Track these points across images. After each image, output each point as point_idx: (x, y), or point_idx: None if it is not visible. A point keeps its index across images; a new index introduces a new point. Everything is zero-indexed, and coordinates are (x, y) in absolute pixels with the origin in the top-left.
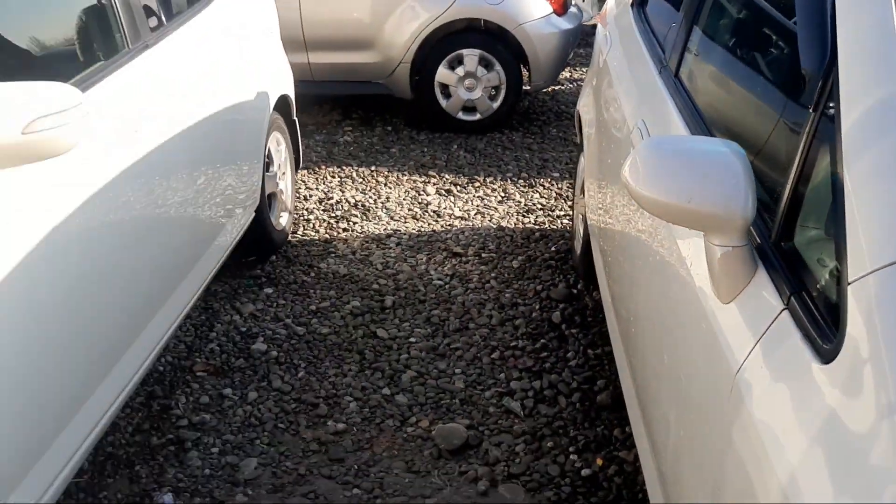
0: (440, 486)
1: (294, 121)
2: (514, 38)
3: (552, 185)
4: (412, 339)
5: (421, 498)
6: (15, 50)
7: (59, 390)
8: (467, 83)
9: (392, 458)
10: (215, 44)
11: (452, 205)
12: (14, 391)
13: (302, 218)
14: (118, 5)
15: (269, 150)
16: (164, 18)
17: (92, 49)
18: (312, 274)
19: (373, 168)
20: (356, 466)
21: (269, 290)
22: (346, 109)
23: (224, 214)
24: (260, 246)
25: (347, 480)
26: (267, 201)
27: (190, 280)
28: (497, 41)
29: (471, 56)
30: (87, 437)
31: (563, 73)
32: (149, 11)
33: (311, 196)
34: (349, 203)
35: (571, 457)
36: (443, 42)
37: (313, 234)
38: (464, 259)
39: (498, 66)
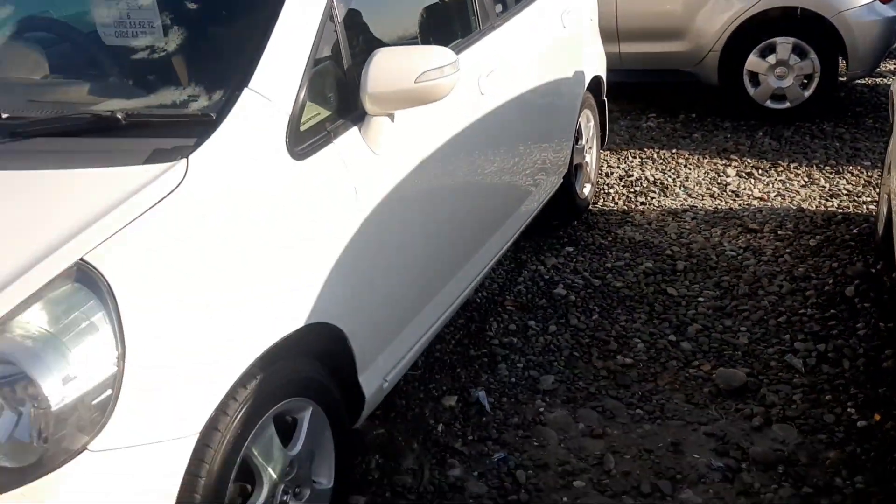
0: (716, 418)
1: (604, 101)
2: (831, 26)
3: (861, 172)
4: (700, 299)
5: (697, 424)
6: (411, 24)
7: (414, 291)
8: (778, 71)
9: (673, 391)
10: (546, 27)
11: (752, 186)
12: (415, 277)
13: (602, 191)
14: None
15: (579, 125)
16: (508, 5)
17: (456, 27)
18: (609, 238)
19: (674, 151)
20: (640, 393)
21: (570, 249)
22: (650, 97)
23: (537, 177)
24: (564, 211)
25: (632, 402)
26: (573, 171)
27: (504, 230)
28: (813, 29)
29: (784, 44)
30: (425, 333)
31: (887, 64)
32: None
33: (612, 173)
34: (648, 180)
35: (849, 409)
36: (755, 30)
37: (612, 205)
38: (759, 235)
39: (813, 55)
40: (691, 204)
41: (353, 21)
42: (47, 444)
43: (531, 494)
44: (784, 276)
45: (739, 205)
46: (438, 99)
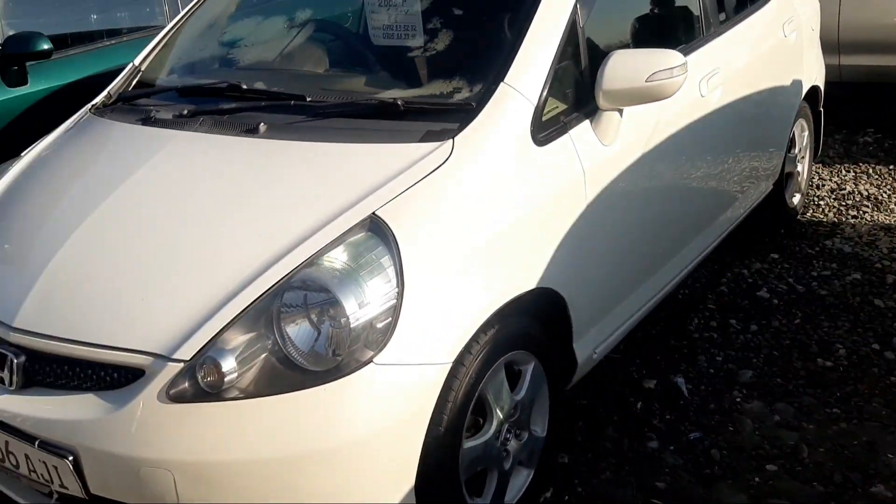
0: None
1: (820, 111)
2: None
3: None
4: None
5: (895, 427)
6: (641, 29)
7: (628, 272)
8: None
9: (872, 396)
10: (767, 35)
11: None
12: (631, 260)
13: (812, 203)
14: (702, 4)
15: (793, 134)
16: (730, 13)
17: (681, 32)
18: (817, 248)
19: (891, 167)
20: (838, 394)
21: (775, 256)
22: (869, 112)
23: (747, 180)
24: (772, 218)
25: (829, 402)
26: (784, 180)
27: (712, 228)
28: None
29: None
30: (634, 314)
31: None
32: (721, 7)
33: (822, 185)
34: (861, 195)
35: None
36: None
37: (821, 216)
38: None
39: None
40: None
41: (592, 26)
42: (340, 356)
43: (725, 471)
44: None
45: None
46: (666, 97)
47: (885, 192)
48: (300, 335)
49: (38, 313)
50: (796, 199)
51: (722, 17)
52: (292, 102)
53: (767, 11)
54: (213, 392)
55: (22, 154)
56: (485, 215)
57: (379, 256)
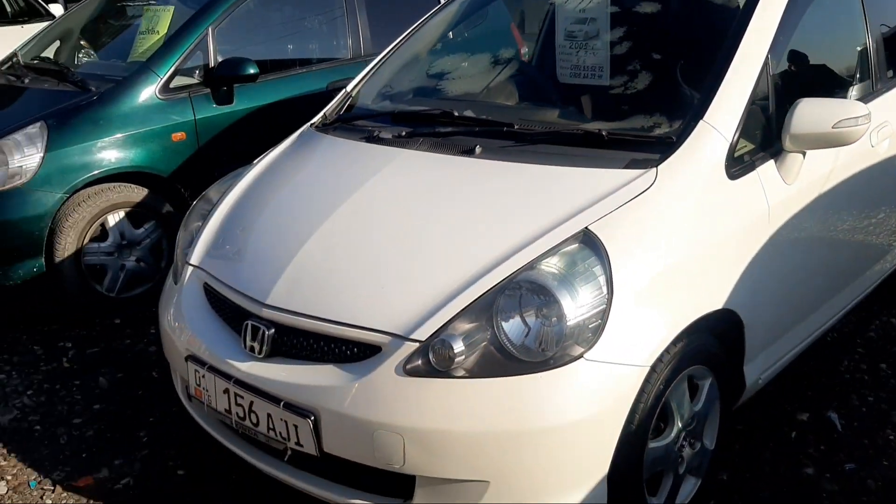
0: None
1: None
2: None
3: None
4: None
5: None
6: (823, 78)
7: (798, 304)
8: None
9: None
10: None
11: None
12: (800, 294)
13: None
14: (875, 57)
15: None
16: None
17: (855, 85)
18: None
19: None
20: None
21: None
22: None
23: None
24: None
25: None
26: None
27: (869, 274)
28: None
29: None
30: (797, 346)
31: None
32: (890, 64)
33: None
34: None
35: None
36: None
37: None
38: None
39: None
40: None
41: (780, 73)
42: (547, 351)
43: (880, 499)
44: None
45: None
46: (850, 143)
47: None
48: (513, 329)
49: (288, 293)
50: None
51: (890, 73)
52: (504, 129)
53: None
54: (443, 371)
55: (254, 161)
56: (683, 238)
57: (591, 266)
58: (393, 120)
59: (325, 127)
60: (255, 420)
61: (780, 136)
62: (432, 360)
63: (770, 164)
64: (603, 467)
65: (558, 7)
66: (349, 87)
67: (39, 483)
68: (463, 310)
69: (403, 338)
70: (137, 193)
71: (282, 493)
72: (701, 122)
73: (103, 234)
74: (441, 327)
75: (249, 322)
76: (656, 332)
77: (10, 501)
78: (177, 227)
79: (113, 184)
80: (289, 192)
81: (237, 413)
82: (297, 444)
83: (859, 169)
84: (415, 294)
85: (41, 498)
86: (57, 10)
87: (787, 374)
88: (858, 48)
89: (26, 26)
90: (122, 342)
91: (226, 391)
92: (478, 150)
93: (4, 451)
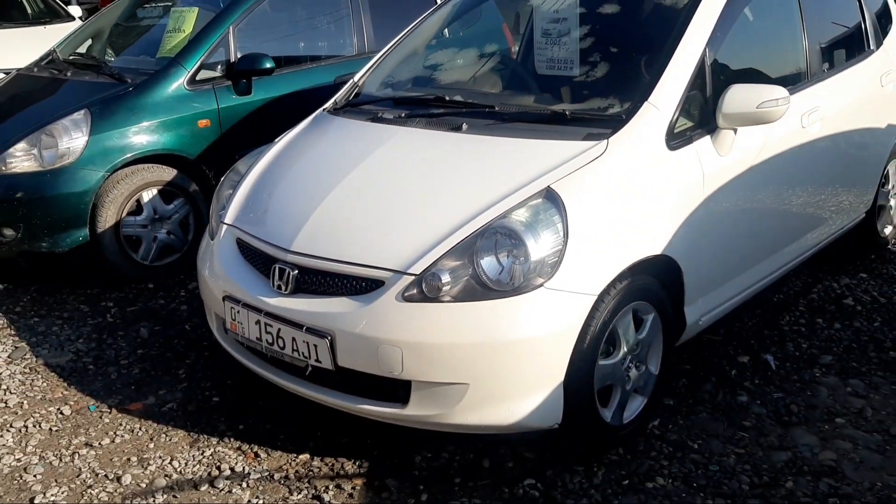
0: None
1: None
2: None
3: None
4: None
5: None
6: (755, 69)
7: (733, 258)
8: None
9: None
10: (865, 84)
11: None
12: (735, 249)
13: None
14: (807, 52)
15: (886, 172)
16: (833, 63)
17: (789, 75)
18: None
19: None
20: None
21: (864, 275)
22: None
23: (840, 205)
24: (864, 243)
25: (895, 381)
26: (876, 211)
27: (805, 239)
28: None
29: None
30: (735, 296)
31: None
32: (825, 58)
33: None
34: None
35: None
36: None
37: None
38: None
39: None
40: None
41: (716, 64)
42: (516, 283)
43: (800, 420)
44: None
45: None
46: (772, 121)
47: None
48: (490, 267)
49: (309, 241)
50: (888, 230)
51: (825, 66)
52: (486, 110)
53: (867, 64)
54: (433, 297)
55: (275, 140)
56: (627, 195)
57: (552, 216)
58: (394, 104)
59: (335, 111)
60: (281, 344)
61: (715, 115)
62: (425, 290)
63: (706, 139)
64: (559, 375)
65: (536, 8)
66: (356, 77)
67: (98, 407)
68: (449, 250)
69: (401, 272)
70: (168, 173)
71: (299, 413)
72: (646, 102)
73: (138, 208)
74: (432, 263)
75: (277, 265)
76: (603, 269)
77: (74, 421)
78: (202, 204)
79: (147, 164)
80: (307, 162)
81: (266, 339)
82: (317, 360)
83: (790, 146)
84: (410, 238)
85: (100, 418)
86: (75, 11)
87: (733, 326)
88: (794, 43)
89: (49, 27)
90: (157, 302)
91: (257, 322)
92: (464, 126)
93: (65, 384)
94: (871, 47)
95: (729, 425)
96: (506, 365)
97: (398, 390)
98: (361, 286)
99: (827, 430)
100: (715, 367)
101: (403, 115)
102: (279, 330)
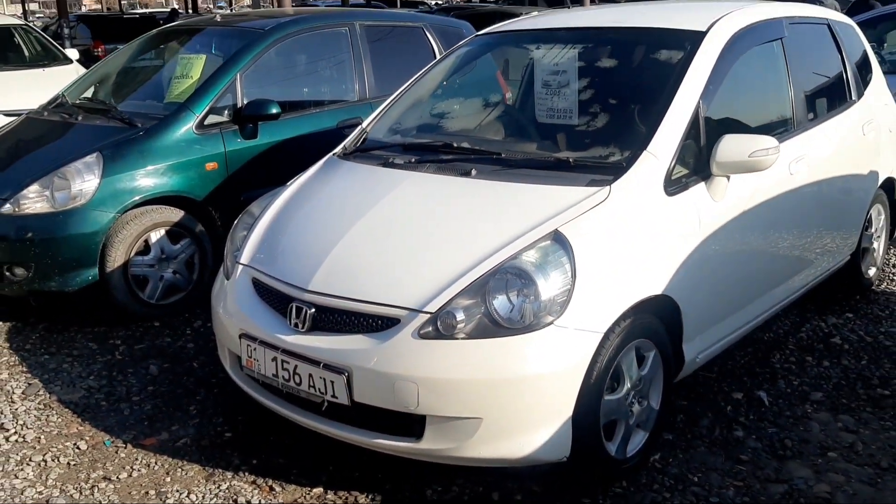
0: None
1: None
2: None
3: None
4: None
5: None
6: (746, 120)
7: (728, 298)
8: None
9: None
10: (848, 132)
11: None
12: (729, 289)
13: (888, 278)
14: (793, 103)
15: (869, 216)
16: (818, 113)
17: (778, 124)
18: (887, 312)
19: None
20: (892, 413)
21: (850, 315)
22: None
23: (826, 247)
24: (849, 284)
25: (884, 418)
26: (860, 253)
27: (794, 281)
28: None
29: None
30: (731, 334)
31: None
32: (810, 108)
33: None
34: None
35: None
36: None
37: (894, 289)
38: None
39: None
40: None
41: (709, 116)
42: (530, 321)
43: (794, 454)
44: None
45: None
46: (763, 169)
47: None
48: (501, 306)
49: (326, 281)
50: (872, 271)
51: (811, 115)
52: (493, 157)
53: (849, 114)
54: (447, 335)
55: (287, 183)
56: (629, 238)
57: (560, 257)
58: (403, 149)
59: (345, 155)
60: (298, 380)
61: (709, 163)
62: (440, 327)
63: (701, 186)
64: (568, 410)
65: (536, 62)
66: (364, 124)
67: (113, 442)
68: (463, 289)
69: (417, 311)
70: (176, 214)
71: (311, 448)
72: (645, 151)
73: (146, 248)
74: (446, 302)
75: (294, 304)
76: (609, 308)
77: (90, 455)
78: (207, 244)
79: (156, 206)
80: (321, 204)
81: (283, 376)
82: (333, 396)
83: (779, 192)
84: (425, 278)
85: (116, 452)
86: (72, 53)
87: (726, 364)
88: (781, 95)
89: (47, 69)
90: (164, 340)
91: (274, 359)
92: (473, 172)
93: (79, 419)
94: (853, 97)
95: (726, 459)
96: (518, 400)
97: (413, 425)
98: (378, 324)
99: (820, 463)
100: (711, 403)
101: (413, 160)
102: (296, 366)
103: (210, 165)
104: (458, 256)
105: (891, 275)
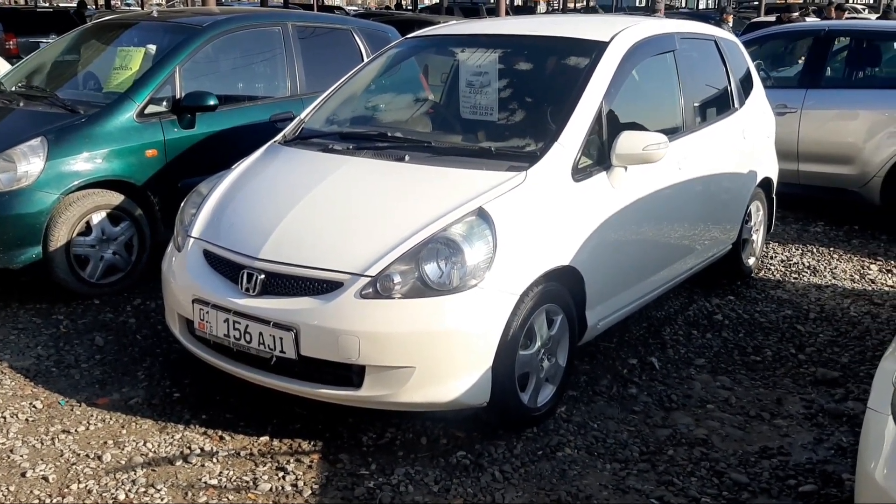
0: (810, 393)
1: (772, 197)
2: None
3: None
4: (820, 335)
5: (796, 394)
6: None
7: (626, 273)
8: None
9: (784, 377)
10: (731, 135)
11: (890, 279)
12: (625, 265)
13: (765, 267)
14: (683, 108)
15: (749, 211)
16: (704, 118)
17: (669, 126)
18: (763, 295)
19: (831, 248)
20: (762, 375)
21: (731, 297)
22: (822, 209)
23: (711, 236)
24: (731, 271)
25: (755, 379)
26: (741, 244)
27: (683, 262)
28: None
29: None
30: (628, 305)
31: None
32: (698, 114)
33: (775, 257)
34: (803, 265)
35: None
36: None
37: (770, 276)
38: (881, 307)
39: None
40: (834, 283)
41: (610, 114)
42: (457, 284)
43: (679, 406)
44: (889, 332)
45: (873, 288)
46: (654, 161)
47: (822, 265)
48: (432, 270)
49: (275, 249)
50: (751, 261)
51: (698, 120)
52: (424, 144)
53: (732, 120)
54: (386, 295)
55: (232, 167)
56: (542, 216)
57: (484, 230)
58: (341, 138)
59: (286, 143)
60: (248, 339)
61: (609, 155)
62: (379, 289)
63: (603, 175)
64: (488, 361)
65: (461, 63)
66: (302, 115)
67: (68, 402)
68: (399, 256)
69: (359, 275)
70: (116, 198)
71: (256, 405)
72: (555, 143)
73: (88, 230)
74: (385, 267)
75: (245, 271)
76: (524, 274)
77: (47, 413)
78: (146, 227)
79: (97, 189)
80: (266, 184)
81: (234, 335)
82: (281, 351)
83: (668, 185)
84: (365, 246)
85: (71, 410)
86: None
87: (623, 336)
88: (673, 100)
89: None
90: (107, 316)
91: (226, 321)
92: (406, 157)
93: (32, 383)
94: (736, 106)
95: (622, 410)
96: (446, 351)
97: (352, 376)
98: (323, 287)
99: (700, 413)
100: (609, 367)
101: (351, 147)
102: (247, 326)
103: (150, 153)
104: (395, 228)
105: (768, 265)
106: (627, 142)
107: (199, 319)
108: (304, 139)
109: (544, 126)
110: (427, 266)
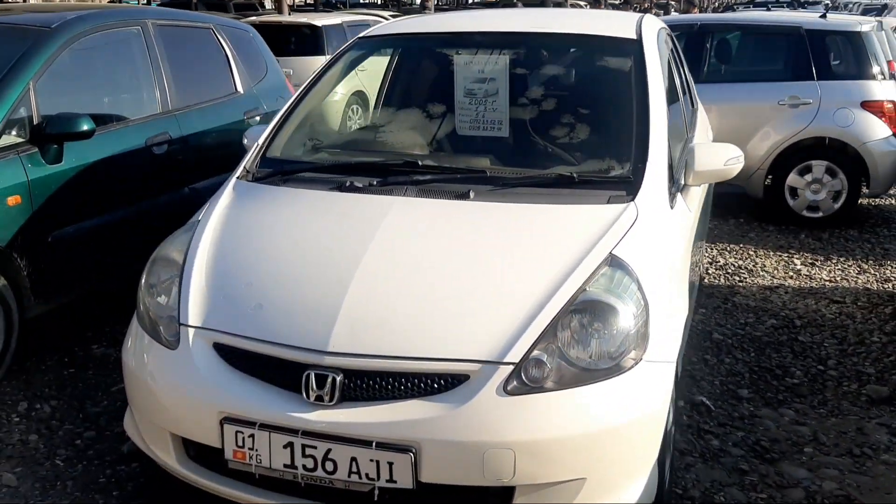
0: (880, 415)
1: None
2: (856, 154)
3: None
4: (825, 344)
5: (868, 418)
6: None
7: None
8: (813, 187)
9: (839, 399)
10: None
11: (819, 272)
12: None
13: (709, 275)
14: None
15: None
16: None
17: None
18: (729, 304)
19: (740, 245)
20: (815, 400)
21: (703, 310)
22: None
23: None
24: None
25: (814, 405)
26: None
27: None
28: (842, 155)
29: (819, 166)
30: None
31: None
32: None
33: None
34: (734, 266)
35: None
36: (795, 154)
37: (718, 283)
38: (845, 305)
39: (842, 175)
40: (779, 283)
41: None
42: (613, 359)
43: (777, 453)
44: (878, 332)
45: (817, 285)
46: (733, 176)
47: (750, 264)
48: (582, 346)
49: (350, 338)
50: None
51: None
52: (479, 175)
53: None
54: (535, 387)
55: (198, 218)
56: (666, 249)
57: (628, 284)
58: (348, 170)
59: (259, 179)
60: (331, 468)
61: (685, 173)
62: (525, 379)
63: (679, 197)
64: (655, 451)
65: (457, 68)
66: (260, 141)
67: None
68: (542, 333)
69: (496, 363)
70: None
71: None
72: (647, 163)
73: None
74: (529, 349)
75: (311, 372)
76: (674, 335)
77: None
78: (12, 302)
79: None
80: (286, 243)
81: (304, 465)
82: (390, 480)
83: (704, 199)
84: (487, 323)
85: None
86: None
87: None
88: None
89: None
90: None
91: (288, 445)
92: (472, 194)
93: None
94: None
95: (728, 473)
96: (622, 451)
97: (490, 499)
98: (439, 384)
99: (805, 460)
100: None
101: (375, 182)
102: (328, 451)
103: (11, 200)
104: (510, 294)
105: (705, 271)
106: (706, 157)
107: (237, 447)
108: (287, 174)
109: (617, 142)
110: (574, 341)
